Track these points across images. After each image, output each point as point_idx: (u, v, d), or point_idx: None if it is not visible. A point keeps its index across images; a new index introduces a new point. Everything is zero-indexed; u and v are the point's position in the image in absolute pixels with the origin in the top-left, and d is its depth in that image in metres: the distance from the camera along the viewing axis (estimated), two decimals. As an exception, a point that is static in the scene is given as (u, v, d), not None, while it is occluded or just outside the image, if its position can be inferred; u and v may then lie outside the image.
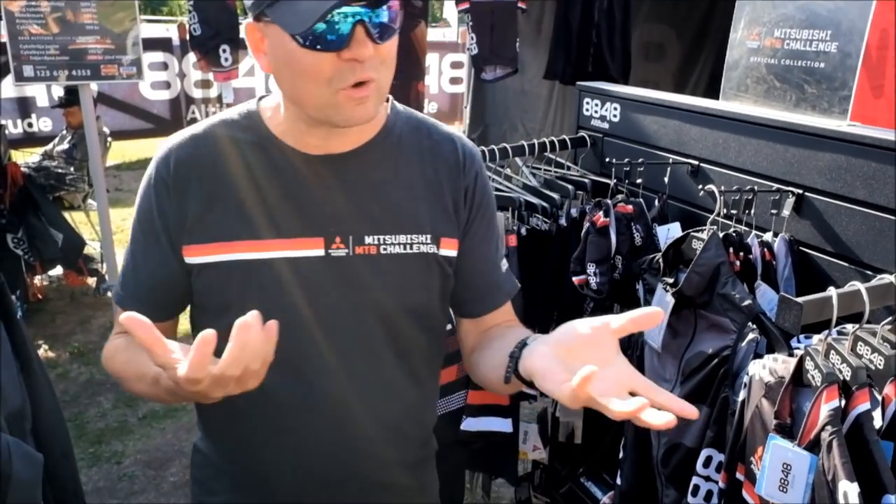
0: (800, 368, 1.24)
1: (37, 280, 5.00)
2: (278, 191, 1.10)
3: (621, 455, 1.86)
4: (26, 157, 5.58)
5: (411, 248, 1.14)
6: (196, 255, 1.11)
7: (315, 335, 1.12)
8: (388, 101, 1.19)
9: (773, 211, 1.73)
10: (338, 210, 1.11)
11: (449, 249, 1.18)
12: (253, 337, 0.86)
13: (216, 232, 1.10)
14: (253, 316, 0.86)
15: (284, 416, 1.16)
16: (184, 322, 1.24)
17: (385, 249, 1.12)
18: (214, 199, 1.10)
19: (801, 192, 1.71)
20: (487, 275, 1.26)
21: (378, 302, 1.14)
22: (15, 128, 7.25)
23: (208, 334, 0.83)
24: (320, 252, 1.10)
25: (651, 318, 0.90)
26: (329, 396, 1.15)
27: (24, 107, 7.36)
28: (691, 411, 0.83)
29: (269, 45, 1.01)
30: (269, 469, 1.22)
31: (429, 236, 1.15)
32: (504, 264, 1.30)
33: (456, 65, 9.79)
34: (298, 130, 1.10)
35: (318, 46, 0.95)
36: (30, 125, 7.41)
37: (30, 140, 7.15)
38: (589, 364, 0.82)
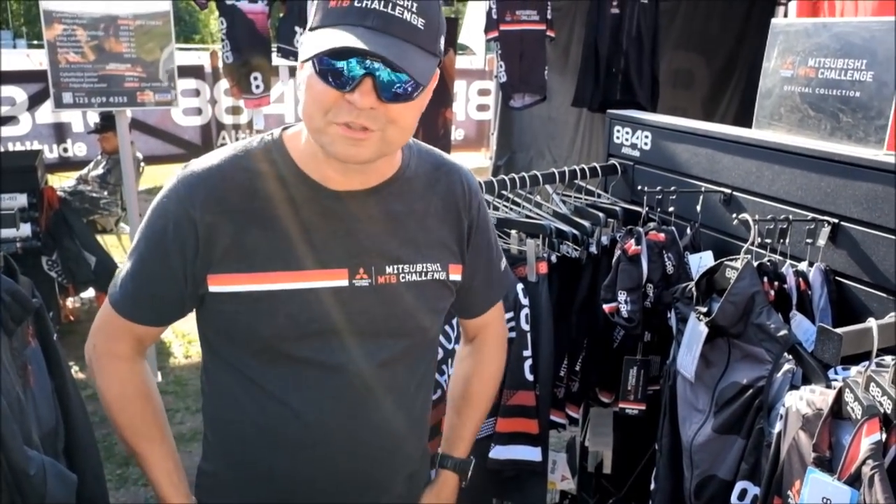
0: (839, 400, 1.21)
1: (69, 302, 5.07)
2: (305, 223, 1.16)
3: (652, 486, 1.83)
4: (62, 182, 5.70)
5: (426, 276, 1.23)
6: (223, 285, 1.15)
7: (340, 360, 1.19)
8: None
9: (809, 240, 1.71)
10: (360, 243, 1.18)
11: (455, 274, 1.29)
12: None
13: (245, 263, 1.15)
14: None
15: (306, 437, 1.22)
16: (185, 325, 1.26)
17: (404, 278, 1.21)
18: (243, 231, 1.15)
19: (836, 221, 1.69)
20: (488, 283, 1.40)
21: (399, 326, 1.22)
22: (51, 153, 7.40)
23: None
24: (344, 283, 1.17)
25: None
26: (350, 416, 1.21)
27: (61, 132, 7.52)
28: None
29: (304, 66, 1.07)
30: (286, 488, 1.26)
31: (439, 264, 1.25)
32: (503, 263, 1.45)
33: (483, 92, 9.84)
34: (318, 162, 1.15)
35: (329, 79, 1.02)
36: (65, 150, 7.56)
37: (65, 165, 7.29)
38: None
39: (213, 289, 1.16)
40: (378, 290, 1.19)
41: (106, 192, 5.34)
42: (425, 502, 1.42)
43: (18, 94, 7.16)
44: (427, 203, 1.25)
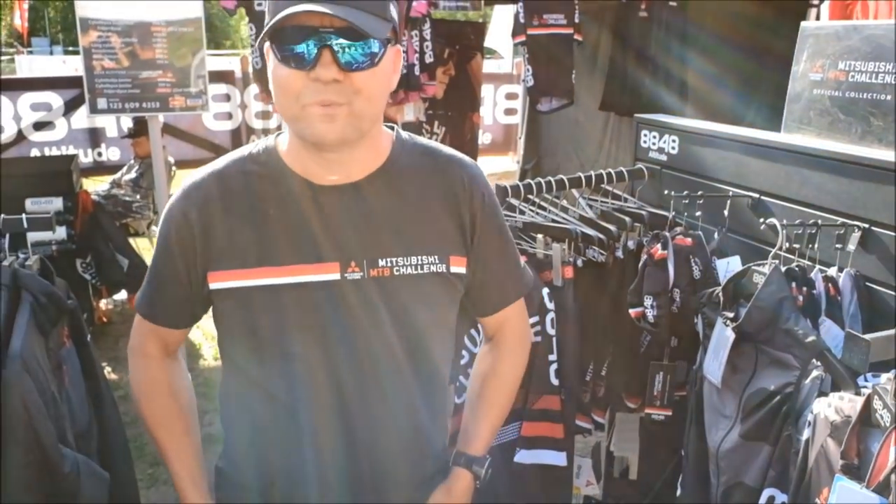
0: (867, 408, 1.20)
1: (102, 304, 5.16)
2: (295, 220, 1.19)
3: (679, 492, 1.82)
4: (96, 186, 5.80)
5: (423, 269, 1.22)
6: (221, 281, 1.20)
7: (334, 353, 1.20)
8: (393, 129, 1.29)
9: (838, 245, 1.69)
10: (351, 236, 1.19)
11: (458, 266, 1.27)
12: None
13: (240, 260, 1.19)
14: None
15: (308, 433, 1.23)
16: (214, 328, 1.31)
17: (398, 271, 1.21)
18: (238, 230, 1.20)
19: (867, 226, 1.67)
20: (503, 279, 1.38)
21: (394, 320, 1.22)
22: (86, 157, 7.53)
23: None
24: (336, 276, 1.19)
25: None
26: (350, 412, 1.22)
27: (95, 137, 7.65)
28: None
29: (269, 62, 1.13)
30: (295, 484, 1.27)
31: (437, 256, 1.24)
32: (521, 261, 1.43)
33: (511, 96, 9.82)
34: (303, 158, 1.20)
35: (290, 63, 1.07)
36: (99, 154, 7.69)
37: (99, 169, 7.41)
38: None
39: (212, 286, 1.21)
40: (371, 283, 1.20)
41: (138, 196, 5.42)
42: (434, 502, 1.37)
43: (55, 99, 7.31)
44: (422, 195, 1.25)
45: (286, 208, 1.20)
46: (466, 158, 1.33)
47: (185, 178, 1.27)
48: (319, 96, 1.08)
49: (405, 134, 1.30)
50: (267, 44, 1.12)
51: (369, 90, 1.11)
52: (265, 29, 1.08)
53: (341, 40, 1.06)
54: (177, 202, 1.23)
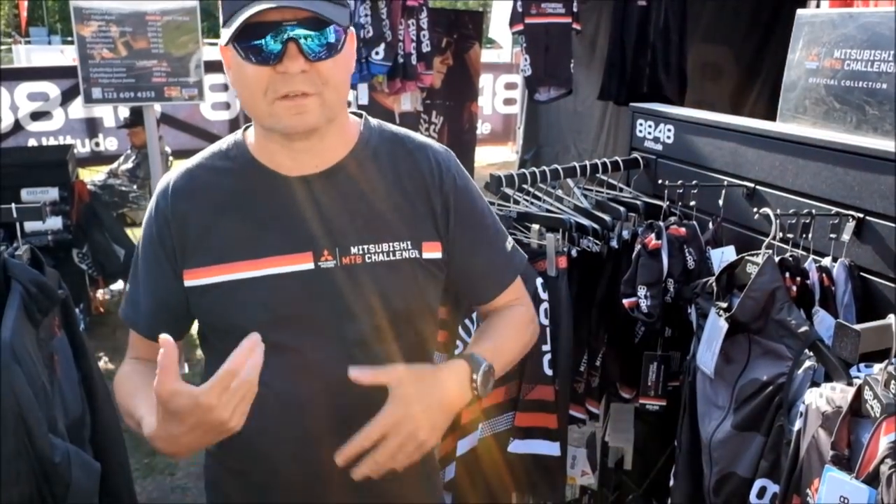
0: (858, 398, 1.19)
1: (99, 294, 5.16)
2: (265, 212, 1.20)
3: (672, 483, 1.82)
4: (93, 176, 5.79)
5: (394, 255, 1.22)
6: (197, 278, 1.20)
7: (313, 342, 1.20)
8: (361, 117, 1.29)
9: (833, 235, 1.68)
10: (322, 225, 1.20)
11: (432, 252, 1.26)
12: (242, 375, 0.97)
13: (214, 255, 1.19)
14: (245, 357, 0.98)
15: (290, 420, 1.23)
16: None
17: (370, 258, 1.21)
18: (210, 226, 1.20)
19: (861, 216, 1.66)
20: (491, 263, 1.35)
21: (367, 308, 1.21)
22: (83, 147, 7.53)
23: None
24: (310, 265, 1.19)
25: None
26: (330, 400, 1.21)
27: (92, 127, 7.65)
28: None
29: (231, 62, 1.14)
30: (278, 470, 1.27)
31: (409, 242, 1.23)
32: (509, 243, 1.39)
33: (510, 86, 9.81)
34: (271, 151, 1.20)
35: (254, 59, 1.08)
36: (97, 145, 7.69)
37: (97, 159, 7.42)
38: None
39: (188, 283, 1.21)
40: (344, 270, 1.20)
41: (135, 186, 5.42)
42: (423, 377, 1.17)
43: (52, 89, 7.29)
44: (392, 181, 1.24)
45: (257, 202, 1.20)
46: (437, 144, 1.33)
47: (164, 176, 1.28)
48: (288, 88, 1.09)
49: (374, 121, 1.30)
50: (223, 43, 1.12)
51: (335, 77, 1.13)
52: (230, 30, 1.07)
53: (304, 31, 1.07)
54: (155, 203, 1.25)
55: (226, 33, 1.10)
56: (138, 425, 1.12)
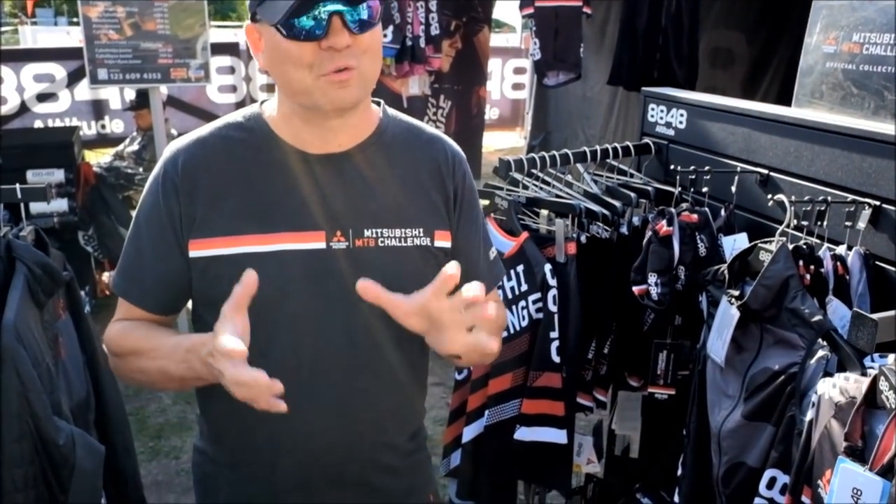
0: (873, 389, 1.17)
1: (105, 276, 5.16)
2: (281, 187, 1.18)
3: (679, 472, 1.81)
4: (98, 158, 5.78)
5: (406, 241, 1.22)
6: (204, 249, 1.17)
7: (318, 323, 1.19)
8: (380, 105, 1.29)
9: (848, 223, 1.65)
10: (338, 205, 1.19)
11: (443, 241, 1.26)
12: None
13: (224, 227, 1.17)
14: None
15: (287, 403, 1.16)
16: None
17: (383, 242, 1.20)
18: (221, 197, 1.17)
19: (878, 203, 1.63)
20: (474, 269, 1.33)
21: None
22: (89, 129, 7.52)
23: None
24: (322, 245, 1.18)
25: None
26: (331, 382, 1.21)
27: (99, 109, 7.64)
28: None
29: (263, 42, 1.13)
30: (272, 458, 1.25)
31: (421, 230, 1.23)
32: (492, 253, 1.40)
33: (519, 70, 9.74)
34: (295, 127, 1.19)
35: (301, 37, 1.07)
36: (103, 127, 7.68)
37: (103, 141, 7.41)
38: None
39: (193, 254, 1.18)
40: (355, 252, 1.19)
41: (141, 169, 5.40)
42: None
43: (58, 71, 7.28)
44: (408, 167, 1.25)
45: (272, 176, 1.18)
46: (447, 137, 1.35)
47: (170, 144, 1.25)
48: (334, 63, 1.08)
49: (390, 109, 1.31)
50: (257, 24, 1.11)
51: (374, 48, 1.13)
52: (274, 10, 1.06)
53: (341, 6, 1.07)
54: (161, 169, 1.21)
55: (268, 13, 1.08)
56: (186, 353, 1.11)
